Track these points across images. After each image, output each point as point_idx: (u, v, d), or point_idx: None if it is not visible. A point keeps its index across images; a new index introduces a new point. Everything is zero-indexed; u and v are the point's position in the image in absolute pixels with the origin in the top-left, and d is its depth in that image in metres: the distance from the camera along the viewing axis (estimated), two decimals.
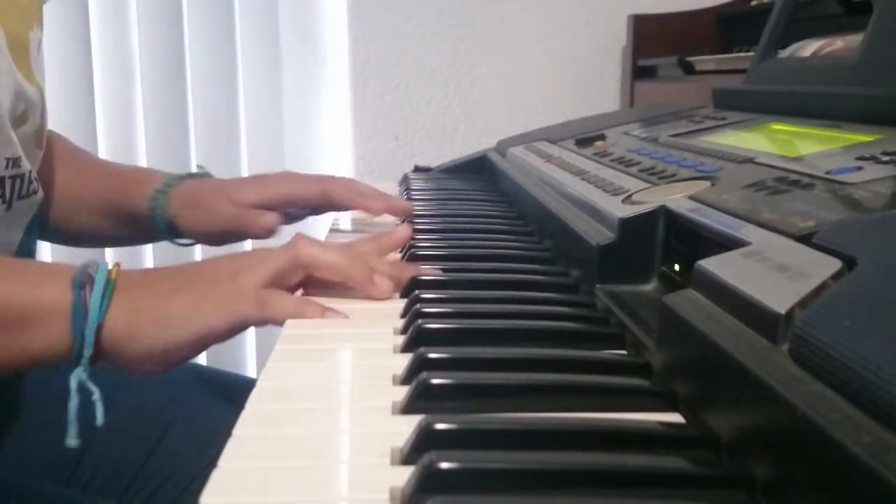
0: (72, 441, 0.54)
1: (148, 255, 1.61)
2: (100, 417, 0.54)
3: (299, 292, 0.56)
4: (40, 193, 0.70)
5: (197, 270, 0.55)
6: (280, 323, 0.51)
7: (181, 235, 0.79)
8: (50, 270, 0.54)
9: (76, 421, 0.54)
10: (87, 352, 0.51)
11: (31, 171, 0.68)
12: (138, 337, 0.51)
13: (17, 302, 0.51)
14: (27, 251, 0.71)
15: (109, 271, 0.52)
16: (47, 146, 0.81)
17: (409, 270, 0.58)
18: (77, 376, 0.52)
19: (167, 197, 0.77)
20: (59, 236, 0.83)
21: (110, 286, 0.51)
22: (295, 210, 0.79)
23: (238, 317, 0.51)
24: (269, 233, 0.76)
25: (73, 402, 0.53)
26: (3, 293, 0.51)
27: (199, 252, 1.36)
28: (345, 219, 0.88)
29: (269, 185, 0.78)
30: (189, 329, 0.51)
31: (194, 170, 0.84)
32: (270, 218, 0.75)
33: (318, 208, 0.80)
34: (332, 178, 0.79)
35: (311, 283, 0.56)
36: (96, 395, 0.53)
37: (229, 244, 0.80)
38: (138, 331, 0.51)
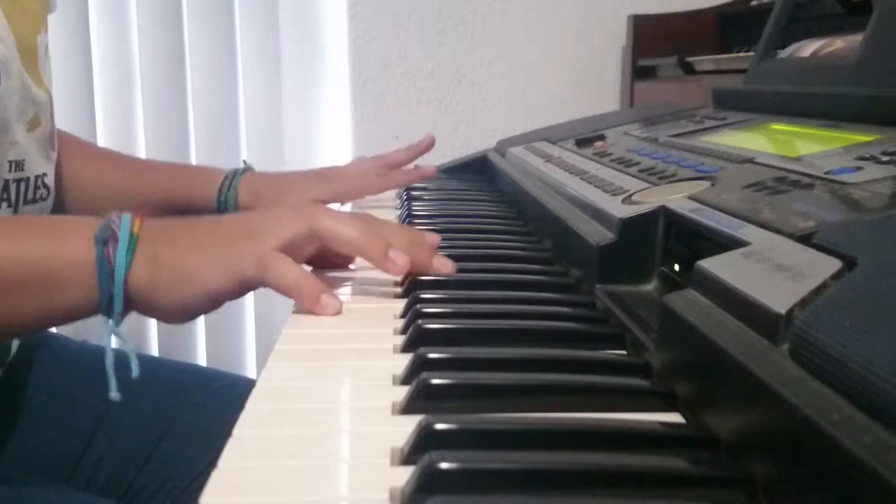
0: (113, 394, 0.55)
1: None
2: (135, 370, 0.55)
3: (308, 269, 0.56)
4: (50, 200, 0.70)
5: (215, 227, 0.56)
6: (278, 290, 0.52)
7: None
8: (73, 227, 0.54)
9: (114, 374, 0.54)
10: (118, 309, 0.52)
11: (40, 177, 0.68)
12: (160, 289, 0.52)
13: (43, 261, 0.52)
14: None
15: (132, 224, 0.52)
16: (76, 146, 0.81)
17: (426, 252, 0.57)
18: (110, 330, 0.53)
19: (237, 189, 0.79)
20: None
21: (133, 240, 0.52)
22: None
23: (240, 277, 0.52)
24: None
25: (109, 356, 0.54)
26: (27, 252, 0.52)
27: None
28: None
29: (338, 182, 0.80)
30: (201, 287, 0.52)
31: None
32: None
33: None
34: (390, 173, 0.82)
35: (325, 257, 0.57)
36: (130, 346, 0.55)
37: None
38: (159, 283, 0.52)
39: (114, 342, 0.54)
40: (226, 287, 0.52)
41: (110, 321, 0.52)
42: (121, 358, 0.54)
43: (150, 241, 0.52)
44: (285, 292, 0.52)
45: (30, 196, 0.68)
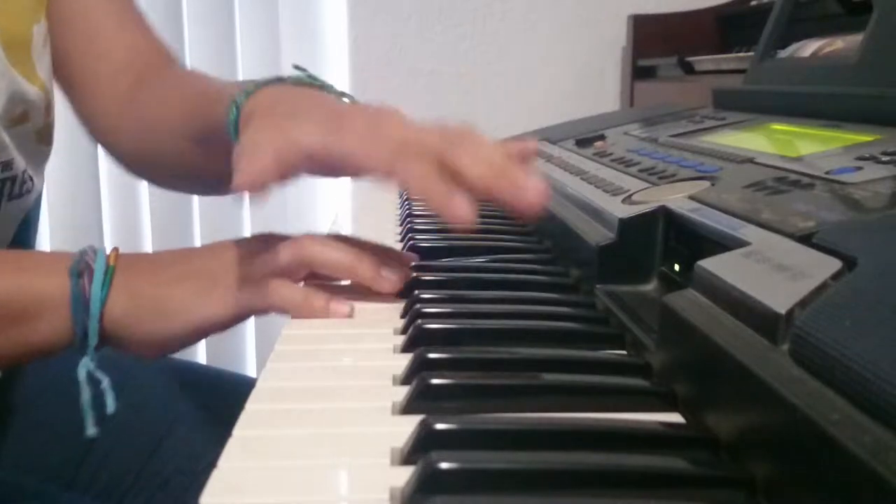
0: (90, 430, 0.54)
1: (147, 240, 1.61)
2: (111, 405, 0.54)
3: (301, 284, 0.56)
4: (35, 191, 0.69)
5: (198, 258, 0.54)
6: (285, 312, 0.51)
7: None
8: (46, 261, 0.53)
9: (91, 410, 0.54)
10: (93, 342, 0.51)
11: (24, 171, 0.67)
12: (138, 324, 0.51)
13: (16, 296, 0.51)
14: (24, 243, 0.70)
15: (108, 257, 0.52)
16: (158, 97, 0.71)
17: (406, 268, 0.56)
18: (84, 366, 0.52)
19: (238, 108, 0.58)
20: (141, 170, 0.77)
21: (109, 272, 0.51)
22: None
23: (242, 307, 0.51)
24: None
25: (85, 393, 0.53)
26: (1, 289, 0.51)
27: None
28: (344, 222, 0.88)
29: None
30: (190, 319, 0.51)
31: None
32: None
33: None
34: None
35: (316, 279, 0.55)
36: (105, 383, 0.53)
37: None
38: (138, 319, 0.51)
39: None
40: (221, 317, 0.51)
41: (86, 358, 0.51)
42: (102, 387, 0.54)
43: (128, 274, 0.51)
44: (294, 313, 0.51)
45: (16, 191, 0.67)
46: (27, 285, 0.51)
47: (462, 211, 0.45)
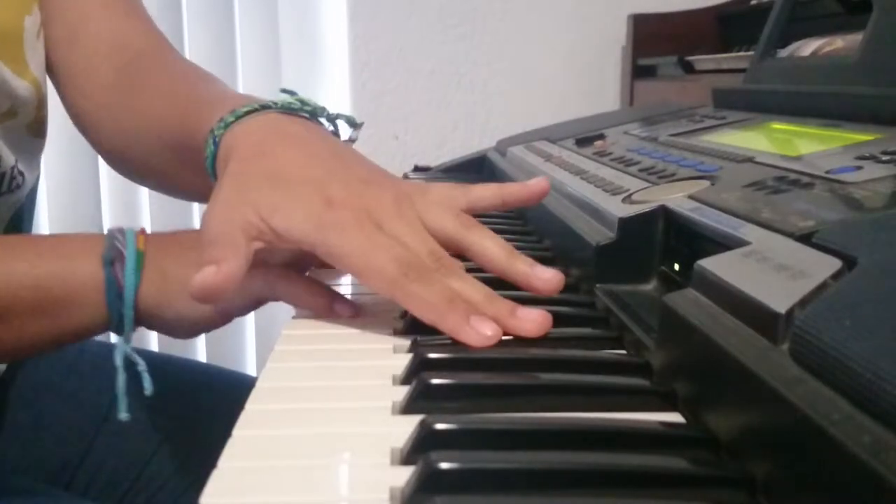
0: (123, 414, 0.55)
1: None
2: (148, 388, 0.55)
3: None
4: (26, 186, 0.69)
5: None
6: (290, 303, 0.52)
7: None
8: (78, 247, 0.54)
9: (125, 395, 0.54)
10: (128, 329, 0.52)
11: (13, 167, 0.67)
12: (169, 306, 0.52)
13: (50, 285, 0.52)
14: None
15: (136, 241, 0.52)
16: (150, 86, 0.68)
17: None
18: (121, 351, 0.53)
19: (221, 137, 0.53)
20: (124, 167, 0.73)
21: (140, 258, 0.52)
22: None
23: (251, 294, 0.52)
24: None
25: (121, 378, 0.54)
26: (33, 278, 0.52)
27: None
28: None
29: None
30: (212, 307, 0.52)
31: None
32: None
33: None
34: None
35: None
36: (142, 366, 0.54)
37: None
38: (169, 300, 0.52)
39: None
40: (237, 304, 0.52)
41: (120, 341, 0.53)
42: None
43: (156, 257, 0.52)
44: (296, 303, 0.52)
45: (3, 188, 0.66)
46: (60, 273, 0.52)
47: (478, 338, 0.43)
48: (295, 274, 0.53)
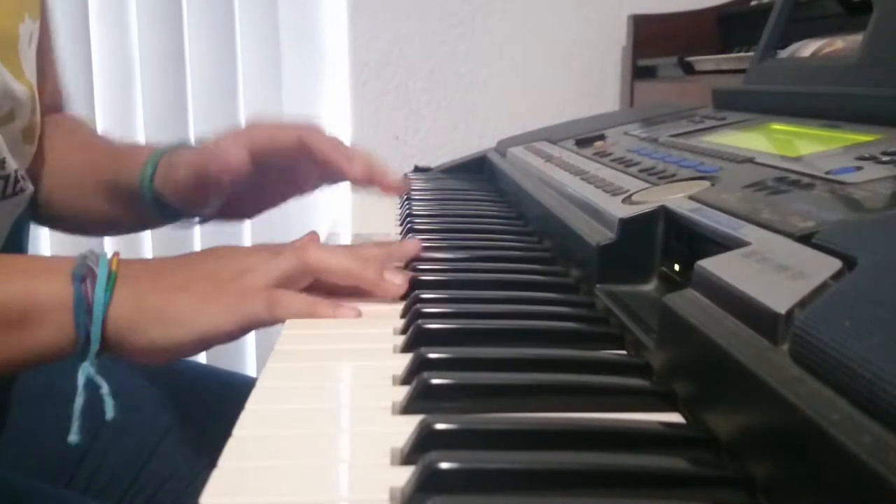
0: (73, 437, 0.54)
1: (147, 245, 1.61)
2: (109, 412, 0.54)
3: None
4: (28, 191, 0.69)
5: (200, 264, 0.54)
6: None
7: (169, 210, 0.71)
8: (48, 265, 0.53)
9: (81, 418, 0.53)
10: (94, 347, 0.50)
11: (17, 171, 0.67)
12: (141, 331, 0.51)
13: (17, 301, 0.50)
14: (17, 245, 0.70)
15: (110, 262, 0.51)
16: (66, 130, 0.78)
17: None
18: (84, 371, 0.51)
19: (154, 167, 0.69)
20: (57, 222, 0.80)
21: (112, 278, 0.51)
22: (274, 160, 0.66)
23: (247, 318, 0.51)
24: (232, 169, 0.63)
25: (79, 399, 0.53)
26: (1, 293, 0.51)
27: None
28: (344, 232, 0.87)
29: (242, 133, 0.66)
30: (194, 329, 0.51)
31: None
32: (234, 152, 0.63)
33: (295, 163, 0.67)
34: (316, 129, 0.66)
35: (317, 287, 0.55)
36: (105, 389, 0.53)
37: (219, 219, 0.73)
38: (141, 325, 0.51)
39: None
40: (224, 328, 0.51)
41: (86, 363, 0.51)
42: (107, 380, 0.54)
43: (129, 280, 0.51)
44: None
45: (9, 191, 0.66)
46: (29, 290, 0.51)
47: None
48: (292, 292, 0.52)
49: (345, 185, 0.70)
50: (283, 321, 0.51)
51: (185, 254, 0.56)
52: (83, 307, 0.50)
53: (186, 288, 0.52)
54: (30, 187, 0.69)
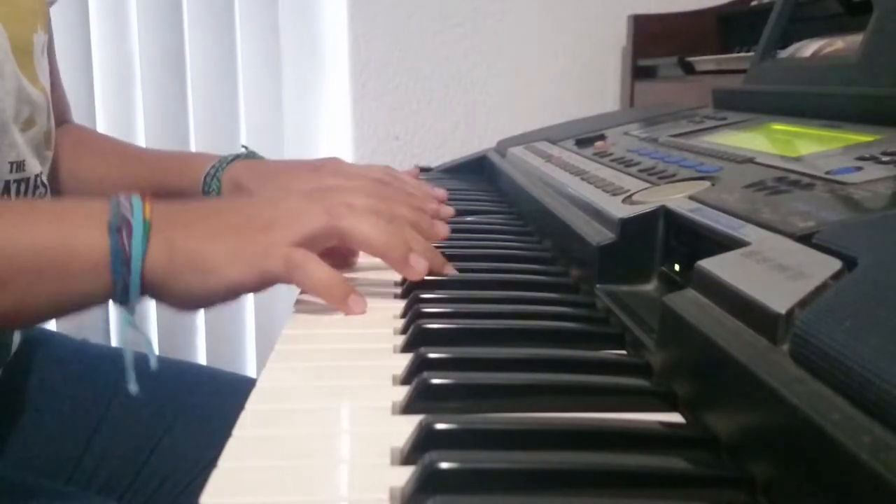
0: (132, 386, 0.54)
1: None
2: (153, 362, 0.55)
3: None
4: (48, 197, 0.70)
5: (231, 213, 0.55)
6: (305, 288, 0.52)
7: None
8: (83, 211, 0.53)
9: (133, 367, 0.54)
10: (134, 299, 0.51)
11: (38, 175, 0.68)
12: (176, 278, 0.51)
13: (57, 249, 0.51)
14: None
15: (143, 209, 0.52)
16: (79, 139, 0.82)
17: (439, 260, 0.58)
18: (126, 321, 0.52)
19: (220, 180, 0.75)
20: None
21: (147, 227, 0.51)
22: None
23: (267, 275, 0.52)
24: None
25: (128, 351, 0.54)
26: (38, 241, 0.51)
27: None
28: None
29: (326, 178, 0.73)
30: (221, 281, 0.51)
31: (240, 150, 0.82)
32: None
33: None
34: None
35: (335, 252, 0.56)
36: (146, 338, 0.54)
37: None
38: (176, 272, 0.51)
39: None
40: (247, 282, 0.52)
41: (124, 311, 0.52)
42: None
43: (163, 227, 0.52)
44: (313, 292, 0.52)
45: (29, 195, 0.68)
46: (68, 239, 0.51)
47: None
48: (315, 258, 0.52)
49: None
50: (299, 285, 0.52)
51: (216, 201, 0.57)
52: (120, 259, 0.50)
53: (215, 238, 0.52)
54: (48, 194, 0.70)
